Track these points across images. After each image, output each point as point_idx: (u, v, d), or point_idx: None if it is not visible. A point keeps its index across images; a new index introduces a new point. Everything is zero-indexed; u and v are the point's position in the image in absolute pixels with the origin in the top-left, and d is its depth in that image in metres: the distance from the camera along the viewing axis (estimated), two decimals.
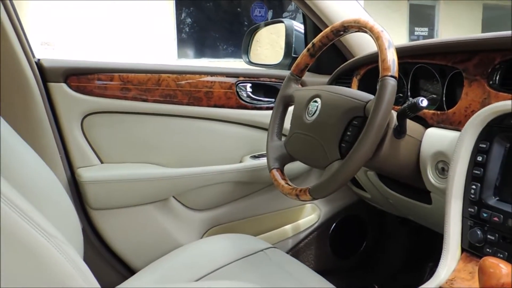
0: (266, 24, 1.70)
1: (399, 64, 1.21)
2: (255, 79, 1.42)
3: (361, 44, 1.42)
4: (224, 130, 1.40)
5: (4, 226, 0.54)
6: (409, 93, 1.21)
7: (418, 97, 0.92)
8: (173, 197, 1.38)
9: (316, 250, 1.57)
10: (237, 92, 1.39)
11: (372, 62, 1.28)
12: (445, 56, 1.06)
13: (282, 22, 1.59)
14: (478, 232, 0.86)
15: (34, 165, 1.00)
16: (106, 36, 6.72)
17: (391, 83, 0.87)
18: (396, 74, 0.88)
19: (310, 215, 1.55)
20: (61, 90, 1.21)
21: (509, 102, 0.83)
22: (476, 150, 0.88)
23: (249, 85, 1.41)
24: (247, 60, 1.71)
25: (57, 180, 1.04)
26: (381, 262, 1.70)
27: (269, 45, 1.75)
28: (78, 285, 0.63)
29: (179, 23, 7.71)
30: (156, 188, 1.32)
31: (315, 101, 1.06)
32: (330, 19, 1.36)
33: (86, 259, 1.22)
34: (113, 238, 1.30)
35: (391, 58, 0.89)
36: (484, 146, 0.86)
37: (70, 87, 1.22)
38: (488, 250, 0.85)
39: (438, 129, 1.03)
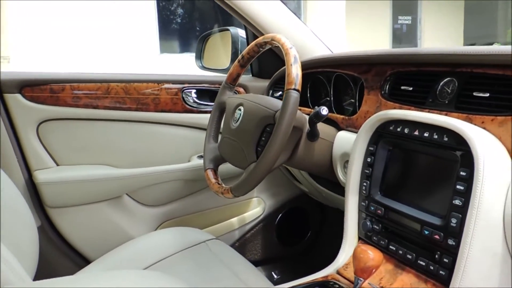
0: (213, 33, 1.82)
1: (322, 72, 1.34)
2: (200, 85, 1.55)
3: (304, 48, 1.53)
4: (172, 132, 1.52)
5: None
6: (332, 98, 1.34)
7: (321, 106, 1.06)
8: (127, 194, 1.51)
9: (263, 240, 1.71)
10: (183, 97, 1.52)
11: (311, 67, 1.40)
12: (354, 67, 1.19)
13: (228, 30, 1.71)
14: (368, 223, 1.00)
15: None
16: (86, 33, 6.76)
17: (294, 96, 1.00)
18: (298, 87, 1.01)
19: (256, 208, 1.68)
20: (16, 100, 1.33)
21: (390, 111, 0.97)
22: (367, 152, 1.01)
23: (194, 90, 1.54)
24: (200, 65, 1.83)
25: (13, 184, 1.17)
26: (324, 248, 1.84)
27: (223, 49, 1.87)
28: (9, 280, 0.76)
29: (161, 18, 7.77)
30: (109, 187, 1.45)
31: (239, 109, 1.19)
32: (264, 29, 1.47)
33: (45, 253, 1.36)
34: (70, 233, 1.44)
35: (295, 73, 1.02)
36: (372, 149, 1.00)
37: (25, 97, 1.34)
38: (374, 238, 0.99)
39: (346, 132, 1.17)
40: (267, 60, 1.63)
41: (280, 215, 1.73)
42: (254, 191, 1.68)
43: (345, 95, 1.34)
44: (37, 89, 1.35)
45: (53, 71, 1.39)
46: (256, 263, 1.70)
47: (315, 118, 1.08)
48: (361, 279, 0.87)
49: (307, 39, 1.51)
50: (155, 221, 1.57)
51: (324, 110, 1.05)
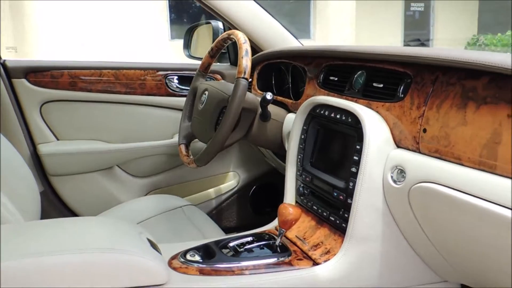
0: (199, 25, 2.03)
1: (282, 62, 1.55)
2: (181, 72, 1.77)
3: (268, 40, 1.73)
4: (157, 113, 1.76)
5: None
6: (290, 85, 1.56)
7: (267, 92, 1.28)
8: (118, 166, 1.76)
9: (238, 209, 1.94)
10: (166, 83, 1.75)
11: (268, 59, 1.62)
12: (301, 59, 1.40)
13: (210, 23, 1.92)
14: (300, 189, 1.22)
15: None
16: (98, 21, 6.99)
17: (242, 83, 1.22)
18: (247, 76, 1.22)
19: (231, 181, 1.92)
20: (22, 84, 1.58)
21: (318, 97, 1.19)
22: (302, 131, 1.23)
23: (176, 77, 1.77)
24: (188, 54, 2.05)
25: (18, 154, 1.42)
26: None
27: (208, 40, 2.08)
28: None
29: (172, 4, 7.98)
30: (102, 159, 1.70)
31: (205, 93, 1.42)
32: (236, 24, 1.68)
33: (47, 215, 1.61)
34: (68, 198, 1.69)
35: (245, 64, 1.23)
36: (305, 128, 1.22)
37: (29, 81, 1.59)
38: (304, 201, 1.21)
39: (292, 114, 1.38)
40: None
41: (254, 187, 1.96)
42: (230, 166, 1.91)
43: (301, 82, 1.56)
44: (40, 74, 1.59)
45: (53, 59, 1.63)
46: (231, 229, 1.95)
47: (263, 101, 1.30)
48: (283, 229, 1.09)
49: (274, 33, 1.71)
50: (142, 190, 1.82)
51: (269, 95, 1.27)
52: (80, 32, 6.96)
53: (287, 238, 1.15)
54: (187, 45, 2.06)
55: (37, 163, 1.64)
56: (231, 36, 1.35)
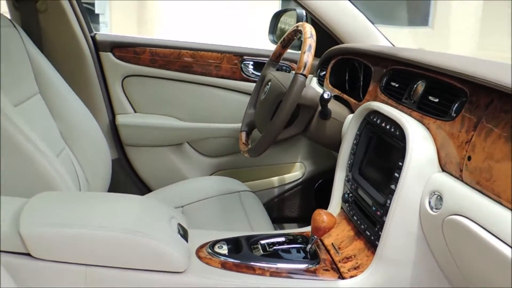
0: (287, 10, 2.00)
1: (355, 59, 1.48)
2: (257, 58, 1.77)
3: (350, 34, 1.67)
4: (229, 96, 1.79)
5: (6, 138, 1.02)
6: (361, 84, 1.48)
7: (325, 91, 1.23)
8: (188, 143, 1.83)
9: (301, 200, 1.92)
10: (241, 67, 1.76)
11: (342, 54, 1.55)
12: (369, 59, 1.32)
13: (294, 10, 1.88)
14: (346, 195, 1.17)
15: (79, 111, 1.51)
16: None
17: (300, 79, 1.18)
18: (306, 72, 1.18)
19: (296, 172, 1.90)
20: (108, 57, 1.69)
21: (372, 102, 1.11)
22: (355, 136, 1.17)
23: (251, 62, 1.77)
24: (272, 39, 2.03)
25: (96, 122, 1.54)
26: None
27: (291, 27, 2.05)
28: (57, 185, 1.11)
29: None
30: (173, 135, 1.78)
31: (268, 84, 1.40)
32: (314, 11, 1.61)
33: (119, 179, 1.74)
34: (139, 166, 1.81)
35: (306, 60, 1.19)
36: (358, 133, 1.16)
37: (115, 55, 1.70)
38: (348, 209, 1.16)
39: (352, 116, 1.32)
40: (322, 40, 1.79)
41: (320, 181, 1.92)
42: (298, 156, 1.89)
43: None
44: (124, 50, 1.70)
45: (137, 36, 1.72)
46: (293, 220, 1.94)
47: (321, 100, 1.25)
48: (315, 236, 1.06)
49: (359, 27, 1.61)
50: (208, 170, 1.87)
51: (326, 94, 1.22)
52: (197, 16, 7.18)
53: (322, 243, 1.12)
54: (272, 31, 2.04)
55: (114, 132, 1.76)
56: (299, 28, 1.32)
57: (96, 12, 7.21)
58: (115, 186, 1.70)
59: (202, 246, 1.06)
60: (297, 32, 1.37)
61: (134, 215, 0.96)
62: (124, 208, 0.99)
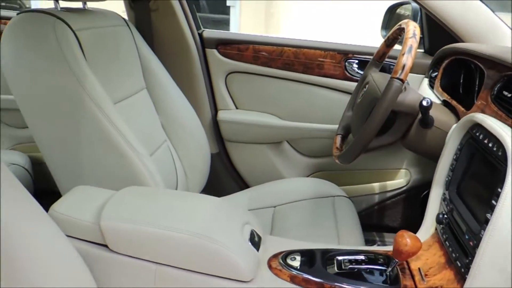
0: (402, 4, 1.84)
1: (470, 61, 1.31)
2: (363, 56, 1.67)
3: (470, 32, 1.48)
4: (331, 96, 1.71)
5: (103, 135, 1.09)
6: (477, 89, 1.31)
7: (425, 98, 1.11)
8: (287, 142, 1.81)
9: (404, 210, 1.78)
10: (345, 66, 1.68)
11: (456, 54, 1.38)
12: (485, 62, 1.15)
13: (410, 3, 1.73)
14: (440, 216, 1.05)
15: (182, 106, 1.57)
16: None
17: (395, 84, 1.08)
18: (403, 77, 1.08)
19: (400, 179, 1.75)
20: (213, 54, 1.73)
21: (476, 114, 0.97)
22: (455, 151, 1.04)
23: (356, 61, 1.67)
24: (385, 34, 1.90)
25: (197, 118, 1.59)
26: None
27: None
28: (146, 182, 1.16)
29: None
30: (273, 133, 1.77)
31: (365, 86, 1.31)
32: (427, 5, 1.45)
33: (219, 173, 1.79)
34: (238, 162, 1.83)
35: (404, 63, 1.08)
36: (459, 147, 1.02)
37: (219, 52, 1.73)
38: (442, 231, 1.04)
39: None
40: (438, 37, 1.62)
41: (426, 191, 1.76)
42: (403, 162, 1.75)
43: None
44: (228, 46, 1.72)
45: (241, 33, 1.73)
46: (394, 229, 1.81)
47: (420, 107, 1.13)
48: (396, 260, 0.96)
49: (482, 23, 1.42)
50: (306, 170, 1.83)
51: (425, 101, 1.10)
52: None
53: (408, 266, 1.02)
54: (385, 26, 1.91)
55: (216, 127, 1.80)
56: (403, 26, 1.20)
57: (228, 4, 7.50)
58: (214, 180, 1.75)
59: (275, 256, 1.02)
60: (401, 31, 1.26)
61: (207, 219, 0.96)
62: (200, 210, 1.00)
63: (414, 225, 1.82)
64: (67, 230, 0.92)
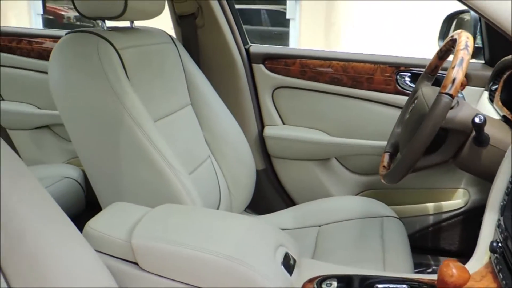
0: (461, 12, 1.73)
1: None
2: (416, 69, 1.58)
3: None
4: (381, 111, 1.64)
5: (142, 152, 1.10)
6: None
7: (478, 114, 1.02)
8: (336, 158, 1.74)
9: (463, 232, 1.65)
10: (397, 79, 1.60)
11: None
12: None
13: (469, 11, 1.62)
14: (494, 244, 0.95)
15: (227, 122, 1.57)
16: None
17: (444, 100, 1.00)
18: (452, 92, 1.00)
19: (458, 200, 1.63)
20: (259, 69, 1.72)
21: None
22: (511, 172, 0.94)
23: (408, 74, 1.59)
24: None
25: (242, 134, 1.58)
26: None
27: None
28: (183, 200, 1.15)
29: None
30: (321, 150, 1.72)
31: (414, 102, 1.23)
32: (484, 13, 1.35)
33: (265, 189, 1.76)
34: (284, 179, 1.79)
35: (454, 76, 1.00)
36: None
37: (266, 67, 1.71)
38: (495, 261, 0.94)
39: None
40: (499, 47, 1.51)
41: None
42: (462, 182, 1.63)
43: None
44: (275, 61, 1.70)
45: (288, 47, 1.70)
46: (452, 254, 1.69)
47: (473, 125, 1.04)
48: None
49: None
50: (355, 188, 1.75)
51: (478, 118, 1.01)
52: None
53: None
54: (443, 36, 1.81)
55: (262, 142, 1.77)
56: (455, 37, 1.12)
57: (287, 17, 7.52)
58: (259, 196, 1.72)
59: (310, 281, 0.97)
60: (454, 42, 1.18)
61: (239, 240, 0.93)
62: (232, 231, 0.98)
63: (472, 249, 1.70)
64: (100, 247, 0.93)
